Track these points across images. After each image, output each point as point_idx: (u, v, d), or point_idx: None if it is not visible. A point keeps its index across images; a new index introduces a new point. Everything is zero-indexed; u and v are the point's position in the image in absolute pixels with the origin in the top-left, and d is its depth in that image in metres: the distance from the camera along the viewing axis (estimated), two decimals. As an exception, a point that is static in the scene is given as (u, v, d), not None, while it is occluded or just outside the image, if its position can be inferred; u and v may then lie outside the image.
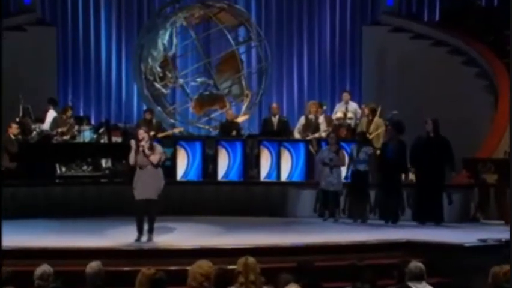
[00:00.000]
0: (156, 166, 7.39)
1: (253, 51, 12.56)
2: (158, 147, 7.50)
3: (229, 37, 11.38)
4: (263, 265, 4.48)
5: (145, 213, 7.41)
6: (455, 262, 6.89)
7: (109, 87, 13.23)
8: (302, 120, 10.83)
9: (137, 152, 7.38)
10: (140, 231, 7.40)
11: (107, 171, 10.57)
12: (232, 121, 11.01)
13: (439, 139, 8.94)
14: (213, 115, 11.82)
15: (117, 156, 10.37)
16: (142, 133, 7.46)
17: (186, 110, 12.21)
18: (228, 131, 10.85)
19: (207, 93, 11.42)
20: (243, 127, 11.23)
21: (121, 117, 12.72)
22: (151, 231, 7.43)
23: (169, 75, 11.35)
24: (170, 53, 11.44)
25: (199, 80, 11.55)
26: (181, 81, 11.67)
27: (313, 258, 6.17)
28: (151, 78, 11.21)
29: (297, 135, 10.70)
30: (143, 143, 7.37)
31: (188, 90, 11.90)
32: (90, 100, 13.16)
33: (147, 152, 7.33)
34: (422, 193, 8.89)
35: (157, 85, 11.23)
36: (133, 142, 7.49)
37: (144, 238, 7.40)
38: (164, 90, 11.42)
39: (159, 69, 11.24)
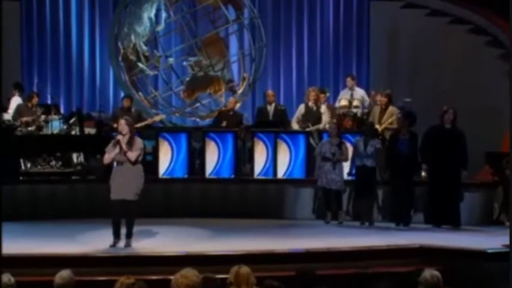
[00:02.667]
0: (134, 163, 7.37)
1: (246, 31, 12.53)
2: (138, 142, 7.47)
3: (226, 12, 11.39)
4: (257, 274, 4.50)
5: (122, 216, 7.40)
6: (476, 270, 6.92)
7: (81, 70, 13.16)
8: (301, 108, 10.83)
9: (115, 146, 7.36)
10: (116, 235, 7.40)
11: (79, 167, 10.55)
12: (234, 110, 10.99)
13: (456, 132, 8.96)
14: (204, 101, 11.82)
15: (91, 150, 10.35)
16: (122, 124, 7.43)
17: (170, 96, 12.19)
18: (225, 121, 10.82)
19: (202, 74, 11.40)
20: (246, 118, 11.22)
21: (94, 105, 12.67)
22: (129, 235, 7.44)
23: (157, 53, 11.34)
24: (159, 28, 11.43)
25: (192, 59, 11.52)
26: (171, 60, 11.63)
27: (315, 266, 6.19)
28: (134, 58, 11.19)
29: (295, 126, 10.71)
30: (119, 136, 7.35)
31: (174, 73, 11.89)
32: (59, 85, 13.10)
33: (124, 147, 7.31)
34: (437, 192, 8.91)
35: (142, 65, 11.22)
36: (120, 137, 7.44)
37: (121, 243, 7.39)
38: (150, 72, 11.41)
39: (145, 47, 11.21)
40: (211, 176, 10.19)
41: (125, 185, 7.31)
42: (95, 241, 7.70)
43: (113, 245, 7.36)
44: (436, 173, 8.94)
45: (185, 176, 10.23)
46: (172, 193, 9.94)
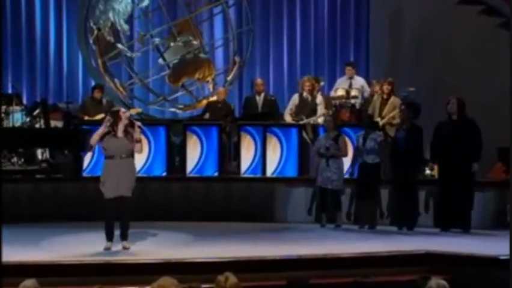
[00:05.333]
0: (132, 155, 7.59)
1: (232, 12, 12.51)
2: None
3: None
4: (245, 283, 4.49)
5: (116, 215, 7.48)
6: (488, 278, 6.94)
7: (46, 55, 13.09)
8: (295, 99, 10.83)
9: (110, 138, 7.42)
10: (110, 237, 7.48)
11: (44, 165, 10.50)
12: (224, 102, 10.98)
13: (465, 122, 8.99)
14: (181, 92, 11.79)
15: (57, 145, 10.30)
16: (127, 114, 7.58)
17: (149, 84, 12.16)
18: (213, 114, 10.81)
19: (191, 56, 11.35)
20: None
21: (61, 95, 12.62)
22: (125, 237, 7.53)
23: (142, 32, 11.29)
24: (144, 4, 11.40)
25: (180, 39, 11.45)
26: (156, 40, 11.54)
27: (308, 274, 6.19)
28: (111, 39, 11.12)
29: (288, 119, 10.71)
30: (139, 123, 7.52)
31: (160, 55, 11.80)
32: (21, 73, 13.03)
33: (138, 136, 7.46)
34: (446, 192, 8.95)
35: (121, 47, 11.17)
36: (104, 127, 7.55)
37: (117, 246, 7.47)
38: (132, 54, 11.35)
39: (126, 26, 11.16)
40: (193, 174, 10.19)
41: (121, 181, 7.42)
42: (63, 247, 7.69)
43: (107, 248, 7.43)
44: (445, 171, 8.96)
45: (164, 174, 10.22)
46: (149, 193, 9.91)
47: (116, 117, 7.48)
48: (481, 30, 12.25)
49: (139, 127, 7.52)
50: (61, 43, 13.14)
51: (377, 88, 10.85)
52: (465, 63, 12.18)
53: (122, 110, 7.65)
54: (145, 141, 9.47)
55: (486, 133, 9.08)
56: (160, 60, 11.69)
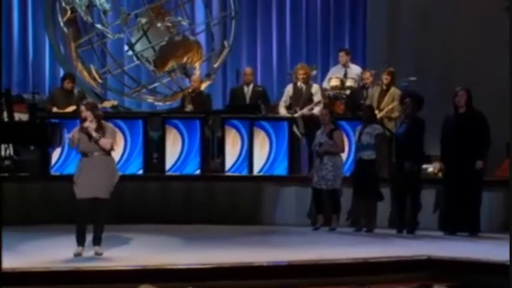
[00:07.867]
0: (108, 152, 7.50)
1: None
2: (110, 127, 7.62)
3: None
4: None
5: (89, 218, 7.45)
6: (495, 286, 6.97)
7: (10, 41, 13.05)
8: (289, 89, 10.80)
9: (81, 134, 7.40)
10: (81, 242, 7.45)
11: (7, 162, 10.47)
12: (199, 91, 10.97)
13: (473, 115, 9.01)
14: (161, 82, 11.77)
15: (22, 140, 10.24)
16: (83, 110, 7.48)
17: (121, 74, 12.12)
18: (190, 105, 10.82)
19: (180, 38, 11.30)
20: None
21: (27, 85, 12.59)
22: (98, 241, 7.51)
23: (125, 11, 11.25)
24: None
25: (168, 19, 11.39)
26: (143, 21, 11.48)
27: (299, 281, 6.20)
28: (88, 18, 11.08)
29: (282, 111, 10.68)
30: (87, 123, 7.39)
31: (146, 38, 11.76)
32: (-18, 61, 12.97)
33: (94, 135, 7.36)
34: (451, 192, 8.98)
35: (101, 27, 11.14)
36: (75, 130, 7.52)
37: (86, 253, 7.42)
38: (114, 35, 11.32)
39: (107, 5, 11.11)
40: (172, 172, 10.19)
41: (96, 180, 7.39)
42: (28, 253, 7.65)
43: (78, 254, 7.39)
44: (451, 168, 8.98)
45: (140, 172, 10.22)
46: (124, 193, 9.85)
47: (79, 114, 7.53)
48: (487, 14, 12.27)
49: (86, 128, 7.40)
50: (26, 26, 13.10)
51: (367, 75, 10.86)
52: (468, 50, 12.19)
53: (81, 108, 7.50)
54: (120, 137, 9.45)
55: (494, 128, 9.11)
56: (130, 52, 11.62)
